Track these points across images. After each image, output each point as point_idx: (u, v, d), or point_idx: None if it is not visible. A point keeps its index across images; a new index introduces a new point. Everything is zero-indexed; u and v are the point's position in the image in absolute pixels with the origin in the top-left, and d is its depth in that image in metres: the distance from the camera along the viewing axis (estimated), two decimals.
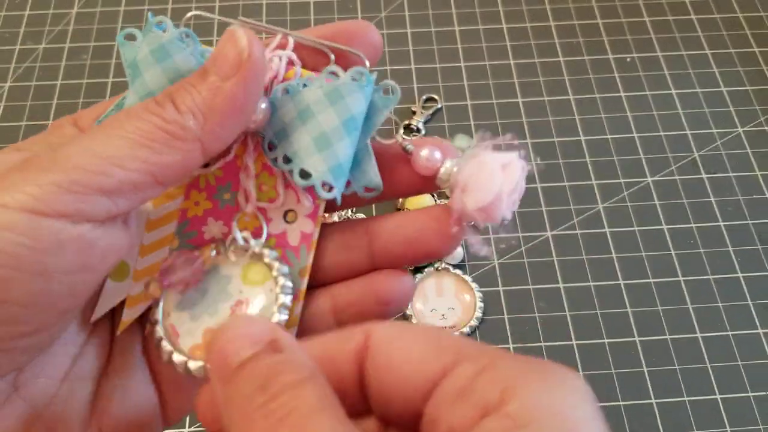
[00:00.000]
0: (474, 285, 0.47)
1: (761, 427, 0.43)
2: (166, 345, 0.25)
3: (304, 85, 0.26)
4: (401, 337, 0.20)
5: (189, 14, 0.26)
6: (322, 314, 0.26)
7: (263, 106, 0.25)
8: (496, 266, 0.48)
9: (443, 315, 0.46)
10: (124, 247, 0.23)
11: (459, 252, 0.48)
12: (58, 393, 0.24)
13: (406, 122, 0.55)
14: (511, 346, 0.45)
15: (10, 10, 0.61)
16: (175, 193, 0.27)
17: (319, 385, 0.18)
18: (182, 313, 0.26)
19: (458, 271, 0.48)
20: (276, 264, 0.26)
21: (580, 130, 0.55)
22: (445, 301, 0.47)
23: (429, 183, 0.26)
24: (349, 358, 0.20)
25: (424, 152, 0.25)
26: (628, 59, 0.59)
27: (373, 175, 0.25)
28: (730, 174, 0.53)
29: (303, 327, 0.26)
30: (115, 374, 0.26)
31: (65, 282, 0.21)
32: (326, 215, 0.27)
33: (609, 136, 0.54)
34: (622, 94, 0.57)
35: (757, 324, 0.46)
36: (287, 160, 0.25)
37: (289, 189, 0.26)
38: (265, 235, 0.26)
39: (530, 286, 0.47)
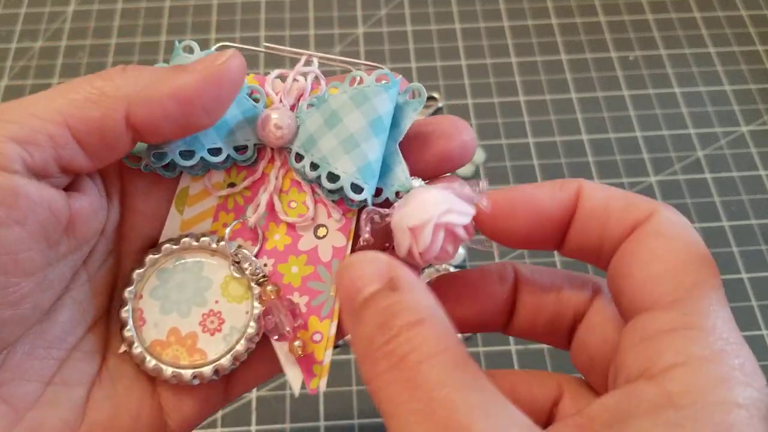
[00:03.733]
0: None
1: None
2: (128, 332, 0.25)
3: (329, 96, 0.26)
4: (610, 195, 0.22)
5: (216, 45, 0.27)
6: None
7: (289, 121, 0.25)
8: None
9: None
10: (62, 208, 0.22)
11: (461, 253, 0.48)
12: (42, 397, 0.24)
13: None
14: (513, 347, 0.45)
15: (6, 8, 0.61)
16: (207, 193, 0.27)
17: (435, 326, 0.19)
18: (154, 301, 0.26)
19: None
20: (257, 290, 0.26)
21: (582, 129, 0.54)
22: None
23: None
24: (561, 204, 0.23)
25: None
26: (631, 57, 0.58)
27: (404, 178, 0.25)
28: (734, 173, 0.52)
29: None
30: (109, 382, 0.25)
31: None
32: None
33: (611, 135, 0.54)
34: (625, 92, 0.56)
35: (761, 325, 0.46)
36: (314, 167, 0.25)
37: (319, 204, 0.26)
38: (257, 249, 0.26)
39: None
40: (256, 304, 0.25)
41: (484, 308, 0.25)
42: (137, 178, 0.26)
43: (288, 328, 0.25)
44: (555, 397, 0.25)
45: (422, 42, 0.59)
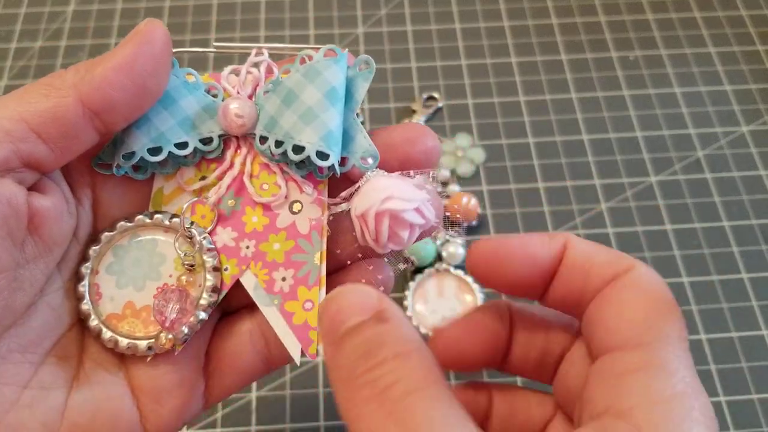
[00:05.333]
0: (475, 286, 0.46)
1: (765, 429, 0.42)
2: (84, 305, 0.26)
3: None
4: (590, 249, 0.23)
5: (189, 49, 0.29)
6: None
7: (248, 109, 0.27)
8: None
9: (444, 316, 0.46)
10: (21, 203, 0.23)
11: (460, 253, 0.48)
12: (19, 400, 0.24)
13: (407, 121, 0.54)
14: None
15: (6, 8, 0.61)
16: (181, 190, 0.28)
17: (424, 359, 0.19)
18: (110, 276, 0.27)
19: (459, 272, 0.47)
20: (210, 261, 0.26)
21: (582, 129, 0.54)
22: (446, 302, 0.46)
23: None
24: (551, 253, 0.23)
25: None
26: (631, 57, 0.58)
27: (367, 144, 0.26)
28: (734, 173, 0.52)
29: None
30: (88, 386, 0.25)
31: None
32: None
33: (612, 135, 0.54)
34: (625, 92, 0.56)
35: (762, 325, 0.46)
36: (279, 144, 0.26)
37: (290, 182, 0.27)
38: (211, 227, 0.27)
39: None
40: (208, 276, 0.26)
41: (486, 348, 0.25)
42: (110, 185, 0.27)
43: (171, 317, 0.26)
44: (549, 417, 0.25)
45: (422, 42, 0.59)
